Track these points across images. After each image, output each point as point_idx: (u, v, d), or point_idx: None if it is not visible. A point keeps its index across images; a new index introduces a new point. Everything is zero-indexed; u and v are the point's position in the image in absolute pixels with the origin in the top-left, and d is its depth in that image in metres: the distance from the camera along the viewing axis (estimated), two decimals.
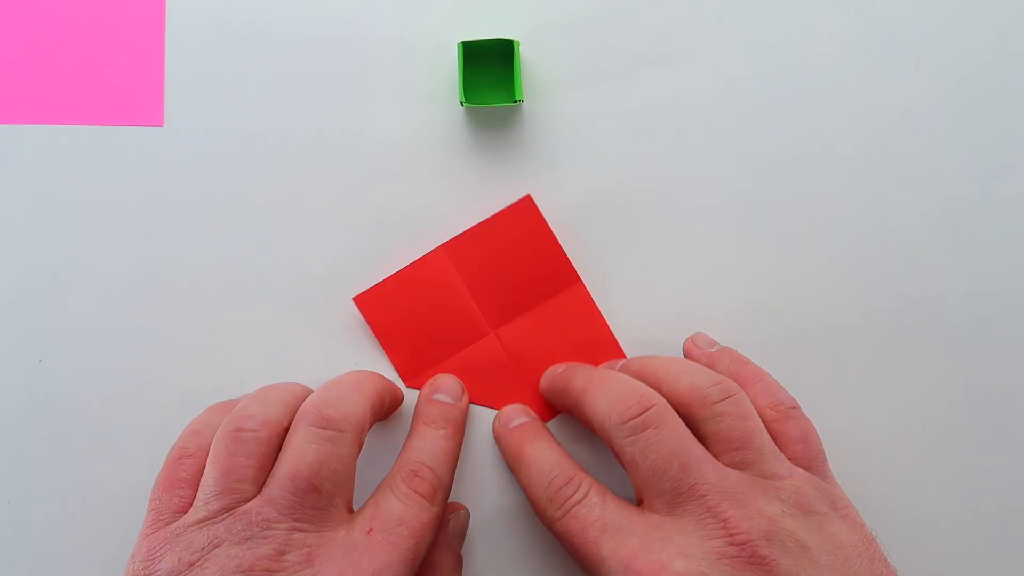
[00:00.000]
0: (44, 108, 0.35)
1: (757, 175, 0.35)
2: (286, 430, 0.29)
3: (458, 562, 0.32)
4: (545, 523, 0.30)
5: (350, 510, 0.29)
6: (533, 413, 0.34)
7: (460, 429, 0.33)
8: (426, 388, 0.34)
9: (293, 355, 0.35)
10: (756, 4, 0.35)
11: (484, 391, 0.35)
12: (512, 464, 0.33)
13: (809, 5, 0.35)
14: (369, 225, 0.35)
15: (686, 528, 0.27)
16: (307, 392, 0.31)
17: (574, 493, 0.29)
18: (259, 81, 0.35)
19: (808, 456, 0.30)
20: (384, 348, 0.35)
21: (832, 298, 0.35)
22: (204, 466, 0.29)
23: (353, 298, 0.35)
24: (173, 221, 0.35)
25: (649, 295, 0.35)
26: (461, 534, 0.33)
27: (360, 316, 0.35)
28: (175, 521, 0.28)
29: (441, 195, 0.35)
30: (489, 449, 0.35)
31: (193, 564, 0.26)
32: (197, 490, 0.29)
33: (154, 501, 0.29)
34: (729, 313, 0.35)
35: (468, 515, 0.34)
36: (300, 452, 0.28)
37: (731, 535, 0.26)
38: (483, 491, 0.34)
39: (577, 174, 0.35)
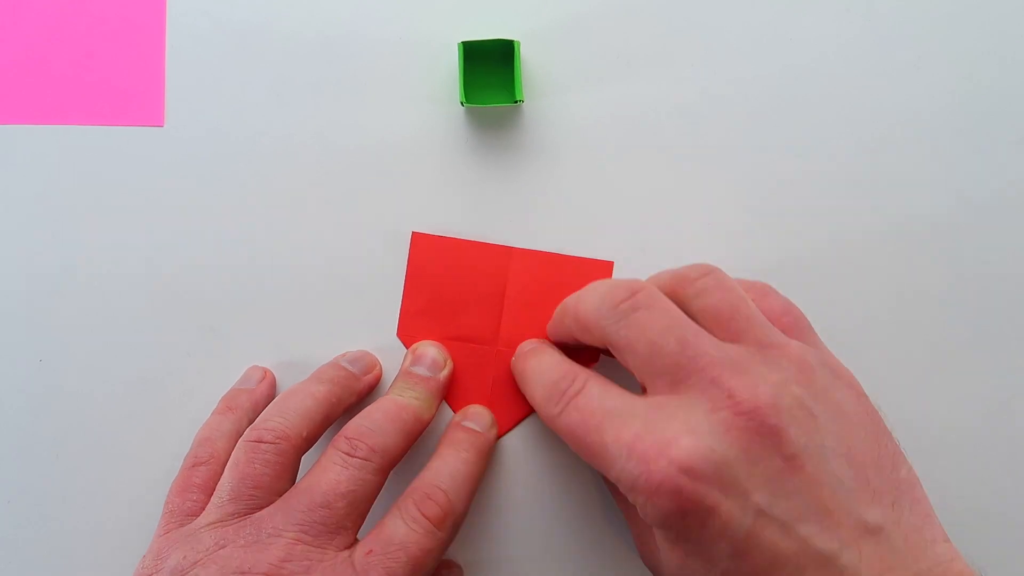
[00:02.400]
0: (44, 108, 0.35)
1: (757, 176, 0.35)
2: (304, 440, 0.30)
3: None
4: (547, 422, 0.29)
5: (356, 538, 0.29)
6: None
7: (485, 456, 0.32)
8: (458, 415, 0.34)
9: (293, 355, 0.35)
10: (756, 4, 0.35)
11: (456, 392, 0.34)
12: (519, 383, 0.33)
13: (809, 5, 0.35)
14: (369, 225, 0.35)
15: (690, 403, 0.26)
16: (326, 394, 0.31)
17: (571, 385, 0.29)
18: (259, 81, 0.35)
19: (798, 327, 0.29)
20: (404, 292, 0.35)
21: (830, 298, 0.35)
22: (217, 473, 0.30)
23: (413, 231, 0.35)
24: (173, 221, 0.35)
25: None
26: None
27: (364, 313, 0.35)
28: (187, 524, 0.29)
29: (441, 195, 0.35)
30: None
31: (196, 563, 0.27)
32: (209, 495, 0.29)
33: (168, 505, 0.30)
34: None
35: (461, 573, 0.34)
36: (323, 470, 0.29)
37: (737, 405, 0.25)
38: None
39: (577, 174, 0.35)
